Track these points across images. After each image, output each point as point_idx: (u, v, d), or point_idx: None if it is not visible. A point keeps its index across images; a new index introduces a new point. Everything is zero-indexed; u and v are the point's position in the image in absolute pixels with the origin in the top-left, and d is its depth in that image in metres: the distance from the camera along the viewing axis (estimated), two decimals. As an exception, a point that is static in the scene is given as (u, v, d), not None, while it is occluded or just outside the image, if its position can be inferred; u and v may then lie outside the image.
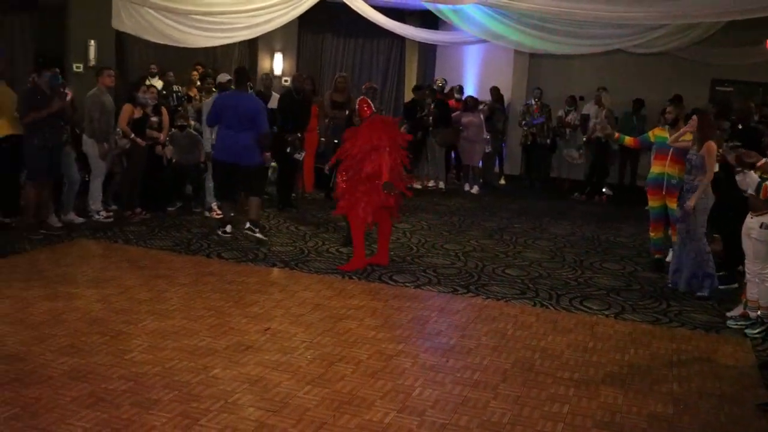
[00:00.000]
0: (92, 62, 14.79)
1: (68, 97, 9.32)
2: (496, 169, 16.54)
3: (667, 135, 9.08)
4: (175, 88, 12.92)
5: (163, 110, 10.87)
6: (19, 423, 4.64)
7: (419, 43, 17.60)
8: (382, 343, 6.39)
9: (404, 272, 8.72)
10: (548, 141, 15.29)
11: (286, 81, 16.76)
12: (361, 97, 9.44)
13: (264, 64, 17.39)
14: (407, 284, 8.27)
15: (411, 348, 6.36)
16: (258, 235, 9.75)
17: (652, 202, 9.33)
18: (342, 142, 9.10)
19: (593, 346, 6.67)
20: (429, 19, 16.53)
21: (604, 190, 14.85)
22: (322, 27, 18.21)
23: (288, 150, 11.54)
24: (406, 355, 6.18)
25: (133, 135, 10.21)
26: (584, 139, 14.95)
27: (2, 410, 4.79)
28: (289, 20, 12.69)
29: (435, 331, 6.86)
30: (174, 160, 11.08)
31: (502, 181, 16.39)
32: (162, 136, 10.71)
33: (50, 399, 5.01)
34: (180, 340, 6.18)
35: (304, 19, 15.13)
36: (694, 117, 8.35)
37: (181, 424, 4.74)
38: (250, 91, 10.85)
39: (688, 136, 8.48)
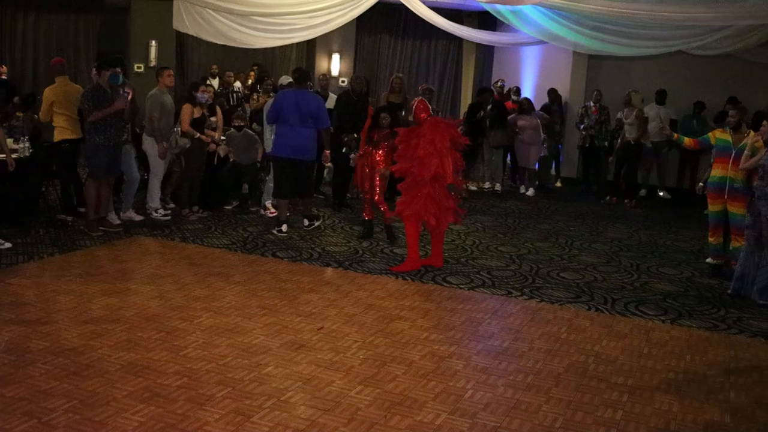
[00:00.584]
0: (153, 62, 15.08)
1: (129, 97, 9.47)
2: (553, 171, 16.40)
3: (728, 138, 8.91)
4: (235, 88, 13.03)
5: (217, 109, 10.99)
6: (77, 415, 4.73)
7: (476, 44, 17.54)
8: (434, 345, 6.38)
9: (458, 274, 8.70)
10: (606, 144, 15.10)
11: (343, 82, 16.83)
12: (418, 98, 9.43)
13: (322, 65, 17.50)
14: (461, 286, 8.25)
15: (463, 350, 6.33)
16: (316, 223, 10.46)
17: (712, 207, 9.15)
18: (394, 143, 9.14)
19: (648, 351, 6.58)
20: (487, 20, 16.48)
21: (640, 193, 14.63)
22: (380, 28, 18.26)
23: (344, 150, 11.59)
24: (458, 356, 6.15)
25: (198, 134, 10.33)
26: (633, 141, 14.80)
27: (61, 402, 4.89)
28: (347, 21, 12.74)
29: (488, 333, 6.83)
30: (231, 159, 11.20)
31: (558, 184, 16.25)
32: (216, 135, 10.83)
33: (107, 393, 5.10)
34: (234, 337, 6.25)
35: (362, 20, 15.23)
36: (765, 123, 8.14)
37: (233, 420, 4.79)
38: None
39: (760, 143, 8.28)
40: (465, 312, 7.34)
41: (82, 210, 9.91)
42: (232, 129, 11.32)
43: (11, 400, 4.89)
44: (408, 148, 8.65)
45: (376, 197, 9.86)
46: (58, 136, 9.62)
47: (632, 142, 13.78)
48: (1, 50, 15.24)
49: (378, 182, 9.80)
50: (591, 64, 16.52)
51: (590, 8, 11.14)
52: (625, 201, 14.18)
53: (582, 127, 15.02)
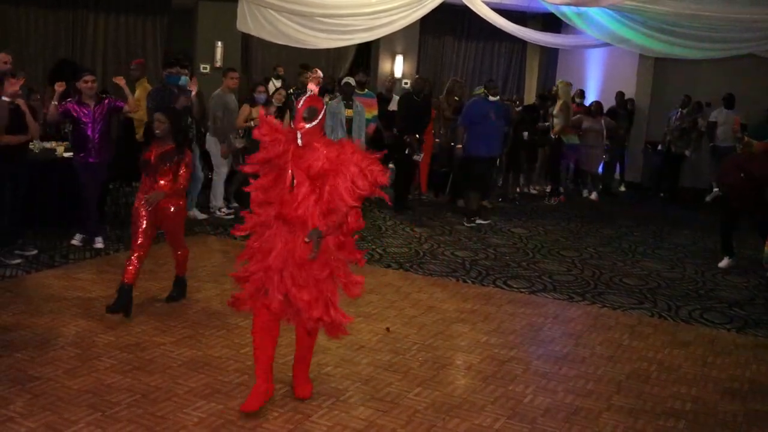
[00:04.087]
0: (218, 63, 15.26)
1: (192, 94, 9.57)
2: (617, 175, 16.18)
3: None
4: (307, 90, 13.10)
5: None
6: (139, 409, 4.82)
7: (541, 46, 17.40)
8: (494, 348, 6.34)
9: (519, 277, 8.64)
10: (686, 152, 14.83)
11: (406, 83, 16.84)
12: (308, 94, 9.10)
13: (384, 66, 17.53)
14: (522, 290, 8.19)
15: (523, 354, 6.29)
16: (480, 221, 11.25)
17: None
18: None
19: (712, 360, 6.45)
20: (551, 23, 16.33)
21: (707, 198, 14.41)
22: (444, 30, 18.23)
23: (406, 151, 11.59)
24: (518, 361, 6.11)
25: (253, 122, 10.36)
26: (711, 145, 14.53)
27: (124, 396, 4.98)
28: (411, 23, 12.74)
29: (548, 338, 6.77)
30: None
31: (622, 188, 16.03)
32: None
33: (168, 388, 5.18)
34: (294, 336, 6.27)
35: (426, 21, 15.20)
36: None
37: (292, 419, 4.83)
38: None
39: None
40: (525, 316, 7.29)
41: None
42: None
43: (77, 392, 5.01)
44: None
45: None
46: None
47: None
48: (73, 50, 15.58)
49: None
50: (657, 67, 16.28)
51: (664, 10, 10.94)
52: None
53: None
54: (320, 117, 4.87)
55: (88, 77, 8.26)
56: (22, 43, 14.95)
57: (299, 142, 4.79)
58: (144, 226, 6.62)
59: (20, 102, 7.72)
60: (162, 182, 6.66)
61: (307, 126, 4.79)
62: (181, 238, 7.09)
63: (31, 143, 8.50)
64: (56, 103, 8.22)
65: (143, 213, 6.63)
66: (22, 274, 7.65)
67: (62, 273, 7.74)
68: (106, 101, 8.44)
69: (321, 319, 4.91)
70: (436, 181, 13.37)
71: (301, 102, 4.88)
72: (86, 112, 8.25)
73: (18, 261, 7.91)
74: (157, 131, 6.70)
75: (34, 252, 8.27)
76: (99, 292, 7.11)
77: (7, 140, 7.52)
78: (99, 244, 8.70)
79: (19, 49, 14.70)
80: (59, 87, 8.30)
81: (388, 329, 6.63)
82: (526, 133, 13.10)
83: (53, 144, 9.46)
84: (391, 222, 11.14)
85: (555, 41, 16.15)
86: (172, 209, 6.80)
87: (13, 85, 7.30)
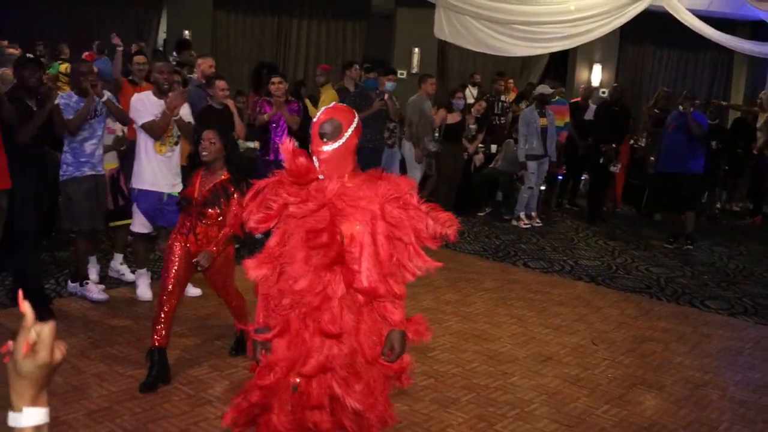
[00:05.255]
0: (415, 69, 15.49)
1: (386, 97, 9.74)
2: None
3: None
4: (502, 98, 13.08)
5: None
6: (330, 405, 4.97)
7: (749, 56, 16.53)
8: (688, 371, 6.09)
9: (717, 298, 8.24)
10: None
11: (603, 92, 16.46)
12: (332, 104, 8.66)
13: (581, 74, 17.21)
14: (720, 311, 7.80)
15: (720, 379, 6.00)
16: (691, 246, 10.33)
17: None
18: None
19: None
20: (762, 31, 15.47)
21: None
22: (644, 37, 17.67)
23: (601, 161, 11.34)
24: (713, 386, 5.83)
25: (449, 116, 10.42)
26: None
27: (316, 391, 5.15)
28: (610, 30, 12.45)
29: (748, 364, 6.42)
30: (498, 168, 11.34)
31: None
32: (471, 147, 10.97)
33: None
34: (481, 343, 6.30)
35: (626, 29, 14.78)
36: None
37: (477, 426, 4.83)
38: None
39: None
40: (723, 339, 6.95)
41: None
42: (510, 139, 11.47)
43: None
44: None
45: None
46: None
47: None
48: (277, 54, 16.29)
49: None
50: None
51: None
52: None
53: None
54: (347, 135, 3.34)
55: (276, 79, 8.59)
56: (229, 46, 15.79)
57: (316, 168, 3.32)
58: (175, 269, 5.16)
59: (229, 102, 8.12)
60: (207, 222, 5.19)
61: (327, 148, 3.30)
62: (231, 289, 5.55)
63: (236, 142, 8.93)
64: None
65: (177, 251, 5.20)
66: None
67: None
68: (295, 105, 8.73)
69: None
70: (633, 195, 12.95)
71: (319, 113, 3.42)
72: (270, 109, 8.57)
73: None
74: (204, 154, 5.14)
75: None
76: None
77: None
78: None
79: (227, 52, 15.55)
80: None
81: (594, 342, 6.50)
82: (714, 142, 12.44)
83: (256, 144, 9.90)
84: (583, 233, 10.92)
85: (765, 50, 15.32)
86: (217, 259, 5.20)
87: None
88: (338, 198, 3.24)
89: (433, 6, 12.52)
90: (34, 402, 1.53)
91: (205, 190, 5.17)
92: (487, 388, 5.42)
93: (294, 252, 3.26)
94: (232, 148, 5.35)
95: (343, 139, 3.30)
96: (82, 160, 6.57)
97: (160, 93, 6.66)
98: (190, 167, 5.40)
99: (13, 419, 1.52)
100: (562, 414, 5.11)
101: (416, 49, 15.95)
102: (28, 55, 7.91)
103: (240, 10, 15.98)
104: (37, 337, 1.50)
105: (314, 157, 3.30)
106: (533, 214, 11.13)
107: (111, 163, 7.23)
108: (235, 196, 5.09)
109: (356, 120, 3.39)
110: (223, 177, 5.19)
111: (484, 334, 6.54)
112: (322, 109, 3.40)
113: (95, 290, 6.72)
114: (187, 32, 14.46)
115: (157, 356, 5.09)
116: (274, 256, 3.30)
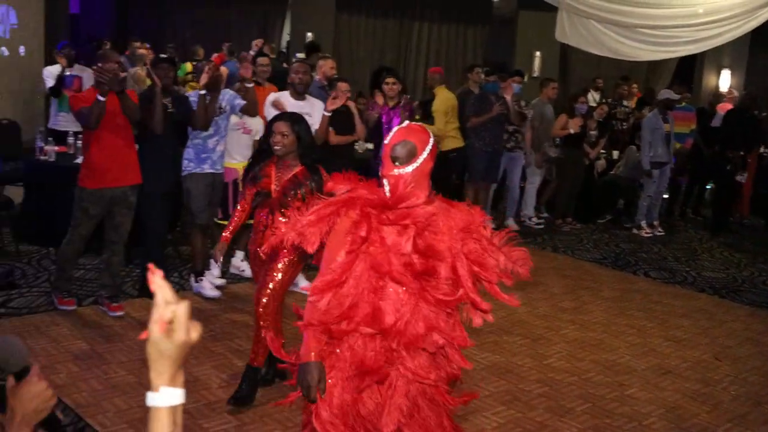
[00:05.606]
0: (536, 73, 15.35)
1: (508, 101, 9.65)
2: None
3: None
4: (625, 102, 12.81)
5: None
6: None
7: None
8: (818, 391, 5.81)
9: None
10: None
11: (729, 96, 15.92)
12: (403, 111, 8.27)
13: (709, 80, 16.69)
14: None
15: None
16: None
17: None
18: None
19: None
20: None
21: None
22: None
23: (728, 168, 10.95)
24: None
25: (571, 126, 10.26)
26: None
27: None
28: (740, 35, 12.01)
29: None
30: (619, 174, 11.13)
31: None
32: (593, 153, 10.77)
33: (469, 389, 5.27)
34: (598, 353, 6.17)
35: (757, 33, 14.25)
36: None
37: (593, 437, 4.75)
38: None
39: None
40: None
41: None
42: (632, 146, 11.25)
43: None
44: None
45: None
46: (447, 145, 9.72)
47: None
48: (398, 56, 16.43)
49: None
50: None
51: None
52: None
53: None
54: (422, 158, 3.06)
55: (390, 79, 8.62)
56: (351, 48, 16.00)
57: (386, 193, 3.05)
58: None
59: (350, 104, 8.20)
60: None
61: (400, 171, 3.05)
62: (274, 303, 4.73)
63: (356, 143, 9.02)
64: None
65: (260, 260, 4.85)
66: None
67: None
68: (408, 106, 8.73)
69: None
70: (763, 206, 12.43)
71: (392, 133, 3.14)
72: (386, 110, 8.61)
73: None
74: (276, 148, 4.72)
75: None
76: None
77: (337, 140, 8.03)
78: None
79: (349, 54, 15.77)
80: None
81: (717, 358, 6.29)
82: None
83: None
84: (707, 244, 10.55)
85: None
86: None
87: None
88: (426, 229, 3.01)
89: (555, 9, 12.35)
90: (172, 381, 1.57)
91: (285, 180, 4.75)
92: (603, 399, 5.31)
93: (369, 283, 2.98)
94: (307, 140, 4.84)
95: (417, 163, 3.04)
96: (203, 156, 6.77)
97: (297, 94, 6.82)
98: (258, 158, 5.01)
99: (151, 399, 1.56)
100: (681, 430, 4.96)
101: (537, 53, 15.81)
102: (161, 55, 8.20)
103: (362, 13, 16.19)
104: (173, 316, 1.53)
105: (384, 181, 3.08)
106: (655, 222, 10.85)
107: (245, 162, 7.32)
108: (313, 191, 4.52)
109: (431, 141, 3.11)
110: (297, 170, 4.77)
111: (601, 343, 6.41)
112: (395, 129, 3.13)
113: (208, 287, 6.90)
114: (309, 34, 14.72)
115: (249, 372, 4.89)
116: (339, 283, 2.98)
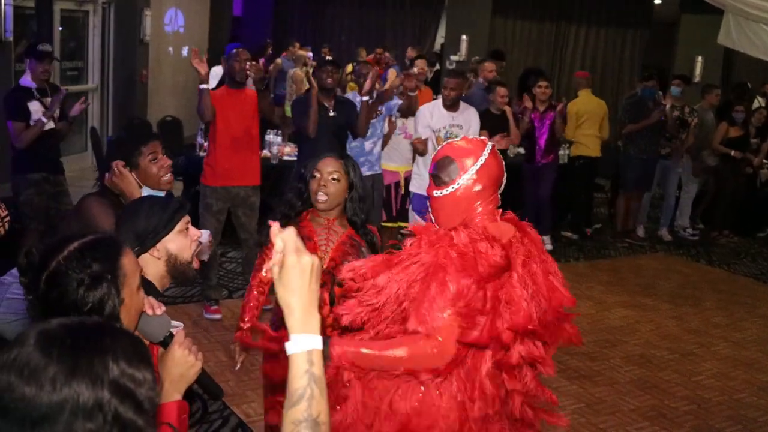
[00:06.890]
0: (696, 78, 14.80)
1: (666, 108, 9.36)
2: None
3: None
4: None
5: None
6: (582, 418, 4.89)
7: None
8: None
9: None
10: None
11: None
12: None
13: None
14: None
15: None
16: None
17: None
18: None
19: None
20: None
21: None
22: None
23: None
24: None
25: (733, 152, 9.92)
26: None
27: (569, 402, 5.08)
28: None
29: None
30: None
31: None
32: (756, 160, 10.29)
33: (613, 403, 5.18)
34: (752, 373, 5.91)
35: None
36: None
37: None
38: None
39: None
40: None
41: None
42: None
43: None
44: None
45: None
46: (575, 151, 9.49)
47: None
48: (553, 59, 16.25)
49: None
50: None
51: None
52: None
53: None
54: (462, 180, 2.67)
55: (543, 82, 8.53)
56: (507, 51, 15.91)
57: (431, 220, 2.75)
58: None
59: (507, 108, 8.14)
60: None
61: (437, 193, 2.71)
62: None
63: (509, 149, 8.96)
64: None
65: None
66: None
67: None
68: (563, 110, 8.60)
69: None
70: None
71: (440, 146, 2.85)
72: (537, 115, 8.51)
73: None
74: (320, 197, 3.41)
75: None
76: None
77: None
78: (548, 245, 8.88)
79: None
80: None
81: None
82: None
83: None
84: None
85: None
86: None
87: None
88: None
89: (720, 12, 11.87)
90: (305, 326, 1.57)
91: (333, 253, 3.42)
92: (755, 422, 5.09)
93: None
94: (360, 190, 3.58)
95: (456, 185, 2.66)
96: (361, 159, 6.73)
97: (446, 107, 6.86)
98: (286, 215, 3.49)
99: (287, 347, 1.57)
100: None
101: (699, 58, 15.23)
102: (327, 57, 8.38)
103: (518, 16, 16.10)
104: (283, 244, 1.57)
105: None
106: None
107: (407, 165, 7.44)
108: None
109: (481, 160, 2.66)
110: (345, 233, 3.48)
111: (755, 363, 6.13)
112: (444, 144, 2.81)
113: None
114: (464, 37, 14.73)
115: None
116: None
